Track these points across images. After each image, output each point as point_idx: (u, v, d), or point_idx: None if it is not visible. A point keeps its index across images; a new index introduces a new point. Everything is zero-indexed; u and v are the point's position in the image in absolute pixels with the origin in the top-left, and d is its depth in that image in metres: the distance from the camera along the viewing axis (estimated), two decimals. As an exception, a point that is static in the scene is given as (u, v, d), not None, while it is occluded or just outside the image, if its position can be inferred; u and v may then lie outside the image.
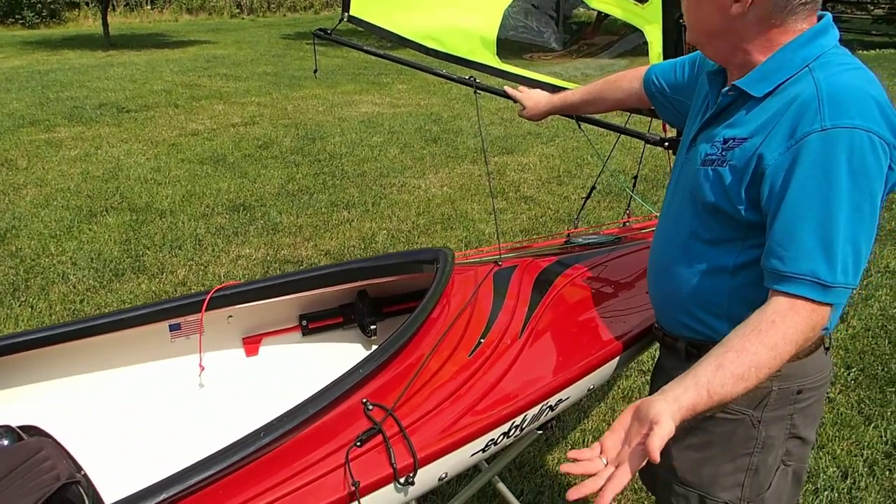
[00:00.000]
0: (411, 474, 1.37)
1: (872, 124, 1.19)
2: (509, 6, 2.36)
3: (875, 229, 1.23)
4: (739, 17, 1.29)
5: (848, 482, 2.68)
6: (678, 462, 1.51)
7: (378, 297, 2.20)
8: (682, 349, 1.52)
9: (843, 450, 2.85)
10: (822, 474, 2.71)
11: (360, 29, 2.68)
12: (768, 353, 1.16)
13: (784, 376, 1.39)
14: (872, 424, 3.01)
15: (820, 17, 1.33)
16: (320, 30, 2.60)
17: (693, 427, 1.48)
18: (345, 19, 2.63)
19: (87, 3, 19.74)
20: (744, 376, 1.15)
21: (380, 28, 2.59)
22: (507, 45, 2.38)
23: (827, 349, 1.49)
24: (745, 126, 1.32)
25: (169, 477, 1.24)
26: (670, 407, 1.09)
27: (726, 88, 1.37)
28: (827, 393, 3.17)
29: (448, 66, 2.46)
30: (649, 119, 2.16)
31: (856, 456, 2.82)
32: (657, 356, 1.71)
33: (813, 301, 1.20)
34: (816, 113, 1.21)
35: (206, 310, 1.95)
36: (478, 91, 2.31)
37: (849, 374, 3.36)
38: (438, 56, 2.44)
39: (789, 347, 1.18)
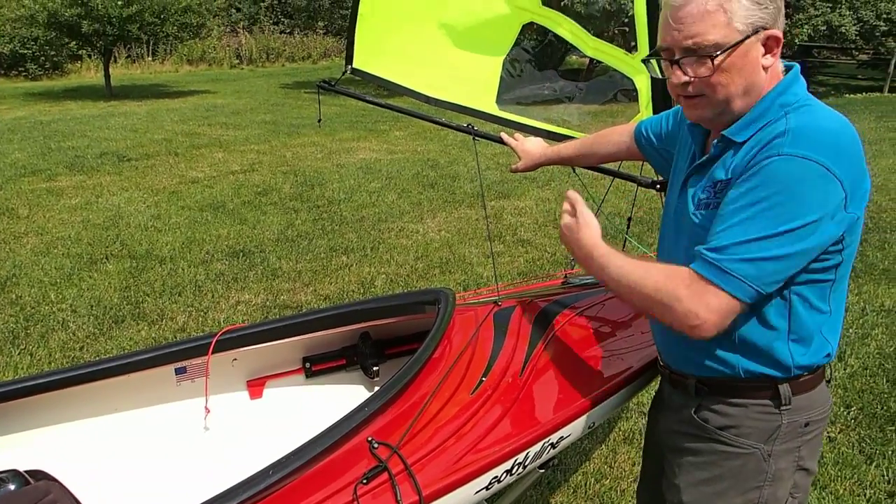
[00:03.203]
0: None
1: (828, 160, 1.26)
2: (508, 54, 2.45)
3: (797, 255, 1.29)
4: (767, 67, 1.37)
5: (851, 522, 2.67)
6: (687, 496, 1.53)
7: (380, 338, 2.23)
8: (691, 386, 1.54)
9: (845, 489, 2.84)
10: (825, 514, 2.70)
11: (357, 78, 2.75)
12: (637, 275, 1.39)
13: (794, 409, 1.45)
14: (874, 464, 3.00)
15: (788, 68, 1.42)
16: (325, 81, 2.67)
17: (703, 462, 1.51)
18: (348, 72, 2.70)
19: (89, 56, 20.06)
20: (617, 267, 1.43)
21: (382, 79, 2.66)
22: (506, 93, 2.46)
23: (828, 382, 1.53)
24: (730, 168, 1.40)
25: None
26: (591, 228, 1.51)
27: (716, 140, 1.45)
28: (827, 432, 3.22)
29: (446, 113, 2.54)
30: (641, 163, 2.23)
31: (858, 496, 2.81)
32: (656, 389, 1.74)
33: (696, 272, 1.31)
34: (781, 144, 1.29)
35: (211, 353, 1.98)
36: (476, 138, 2.39)
37: (848, 413, 3.37)
38: (439, 104, 2.51)
39: (652, 291, 1.36)
